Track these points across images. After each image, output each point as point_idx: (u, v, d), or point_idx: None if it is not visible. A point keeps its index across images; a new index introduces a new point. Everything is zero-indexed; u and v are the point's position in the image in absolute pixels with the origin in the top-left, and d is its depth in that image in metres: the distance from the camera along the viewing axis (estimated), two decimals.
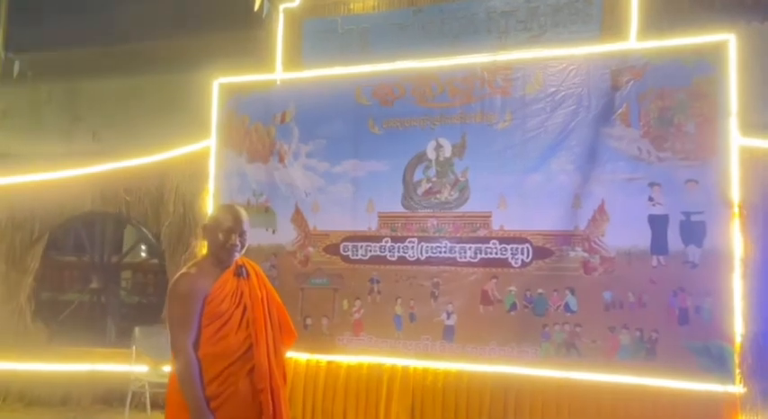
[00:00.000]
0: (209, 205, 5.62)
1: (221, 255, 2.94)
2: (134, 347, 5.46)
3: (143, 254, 7.18)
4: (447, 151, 5.14)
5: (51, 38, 7.84)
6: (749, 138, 4.39)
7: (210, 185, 5.67)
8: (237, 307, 2.90)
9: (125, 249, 6.82)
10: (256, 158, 5.62)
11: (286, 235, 5.47)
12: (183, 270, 2.94)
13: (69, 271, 6.88)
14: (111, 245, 6.47)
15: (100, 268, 6.36)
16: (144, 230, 5.96)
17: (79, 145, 7.29)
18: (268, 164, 5.59)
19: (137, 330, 5.52)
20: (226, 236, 2.92)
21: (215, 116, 5.73)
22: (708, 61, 4.51)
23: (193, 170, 5.75)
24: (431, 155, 5.18)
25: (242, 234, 2.95)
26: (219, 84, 5.72)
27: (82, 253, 6.55)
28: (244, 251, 2.99)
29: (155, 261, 6.30)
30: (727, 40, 4.47)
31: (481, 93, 5.06)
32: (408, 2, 5.39)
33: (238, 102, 5.71)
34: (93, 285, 6.24)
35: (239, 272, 2.97)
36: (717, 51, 4.50)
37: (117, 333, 6.18)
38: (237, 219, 2.96)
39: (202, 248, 5.40)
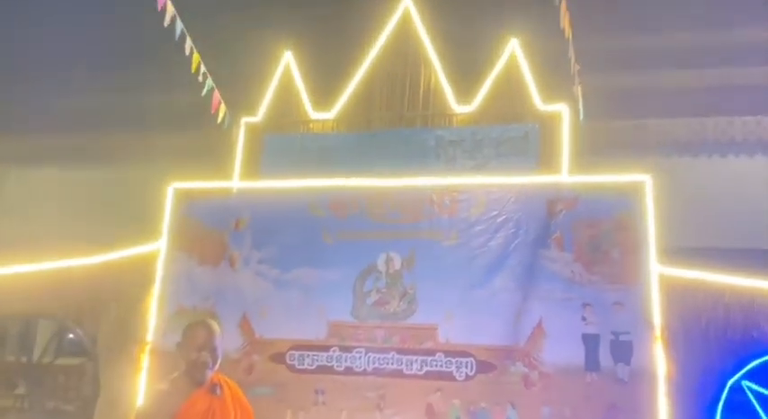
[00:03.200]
0: (152, 309, 5.64)
1: (193, 373, 3.00)
2: None
3: (75, 359, 6.88)
4: (397, 264, 5.54)
5: None
6: (667, 267, 5.07)
7: (156, 288, 5.71)
8: None
9: (56, 351, 6.54)
10: (207, 261, 5.77)
11: (231, 341, 5.52)
12: (159, 384, 3.02)
13: None
14: (42, 348, 6.21)
15: (28, 371, 6.05)
16: (80, 333, 5.82)
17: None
18: (218, 268, 5.74)
19: None
20: (196, 353, 2.98)
21: (167, 219, 5.90)
22: (628, 198, 5.26)
23: (139, 272, 5.80)
24: (381, 267, 5.55)
25: (213, 350, 3.02)
26: (175, 188, 5.95)
27: (10, 354, 6.23)
28: (217, 366, 3.07)
29: (89, 365, 6.09)
30: (644, 181, 5.27)
31: (430, 212, 5.58)
32: (366, 126, 5.98)
33: (193, 206, 5.93)
34: (19, 390, 5.91)
35: (213, 390, 3.01)
36: (635, 190, 5.28)
37: None
38: (208, 336, 3.02)
39: (140, 357, 5.38)
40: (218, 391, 3.03)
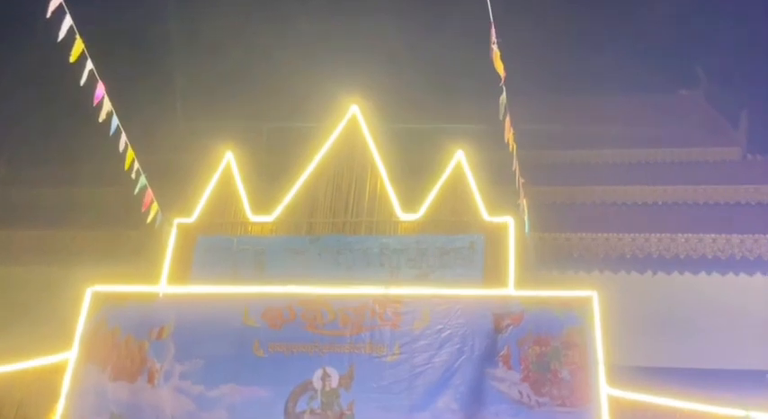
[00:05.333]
0: None
1: None
2: None
3: None
4: (334, 381, 5.27)
5: None
6: (616, 389, 5.00)
7: (61, 404, 5.23)
8: None
9: None
10: (122, 376, 5.37)
11: None
12: None
13: None
14: None
15: None
16: None
17: None
18: (134, 384, 5.34)
19: None
20: None
21: (81, 326, 5.51)
22: (576, 313, 5.26)
23: (43, 385, 5.31)
24: (317, 384, 5.26)
25: None
26: (93, 292, 5.62)
27: None
28: None
29: None
30: (591, 296, 5.30)
31: (371, 323, 5.41)
32: (306, 229, 5.89)
33: (111, 312, 5.59)
34: None
35: None
36: (583, 305, 5.28)
37: None
38: None
39: None
40: None
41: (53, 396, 5.26)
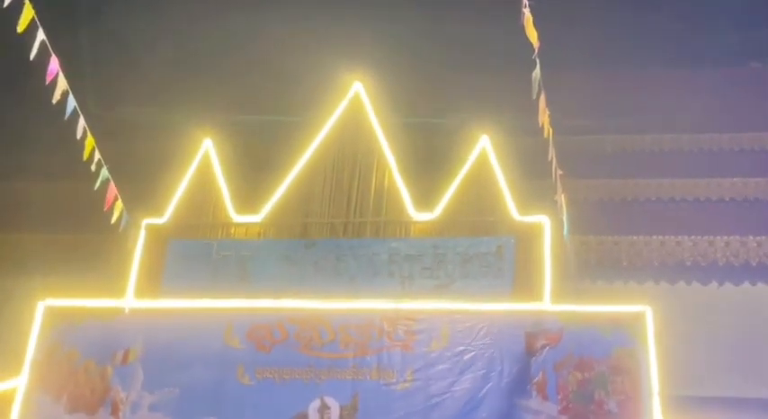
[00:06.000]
0: None
1: None
2: None
3: None
4: (334, 414, 5.29)
5: None
6: None
7: None
8: None
9: None
10: (79, 407, 5.43)
11: None
12: None
13: None
14: None
15: None
16: None
17: None
18: (95, 417, 5.40)
19: None
20: None
21: (32, 347, 5.58)
22: (626, 332, 5.25)
23: None
24: (313, 417, 5.29)
25: None
26: (46, 306, 5.68)
27: None
28: None
29: None
30: (644, 312, 5.30)
31: (379, 345, 5.43)
32: (300, 232, 5.92)
33: (67, 331, 5.65)
34: None
35: None
36: (634, 322, 5.28)
37: None
38: None
39: None
40: None
41: None
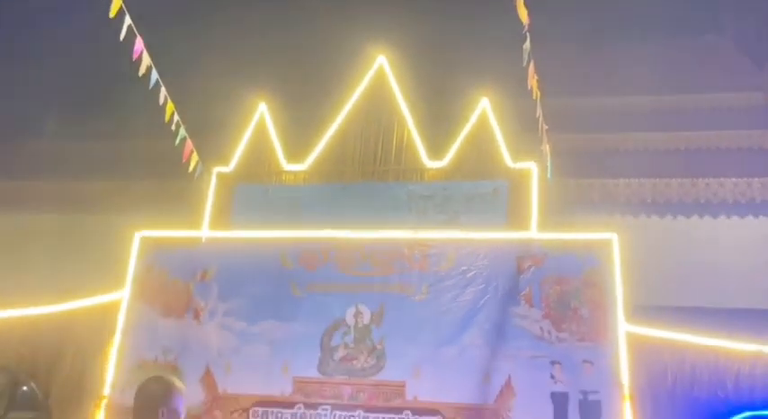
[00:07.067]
0: (111, 362, 5.47)
1: None
2: None
3: (28, 413, 6.57)
4: (366, 318, 5.48)
5: None
6: (634, 326, 5.12)
7: (116, 340, 5.55)
8: None
9: (8, 406, 6.24)
10: (170, 313, 5.64)
11: (192, 396, 5.31)
12: None
13: None
14: None
15: None
16: (34, 386, 5.59)
17: None
18: (182, 320, 5.61)
19: None
20: (152, 414, 2.73)
21: (132, 268, 5.77)
22: (596, 255, 5.34)
23: (99, 322, 5.62)
24: (350, 321, 5.48)
25: (168, 412, 2.75)
26: (141, 237, 5.85)
27: None
28: None
29: None
30: (611, 239, 5.37)
31: (401, 265, 5.57)
32: (337, 178, 6.00)
33: (159, 256, 5.83)
34: None
35: None
36: (602, 247, 5.35)
37: None
38: (165, 394, 2.80)
39: (96, 413, 5.19)
40: None
41: (109, 333, 5.57)
